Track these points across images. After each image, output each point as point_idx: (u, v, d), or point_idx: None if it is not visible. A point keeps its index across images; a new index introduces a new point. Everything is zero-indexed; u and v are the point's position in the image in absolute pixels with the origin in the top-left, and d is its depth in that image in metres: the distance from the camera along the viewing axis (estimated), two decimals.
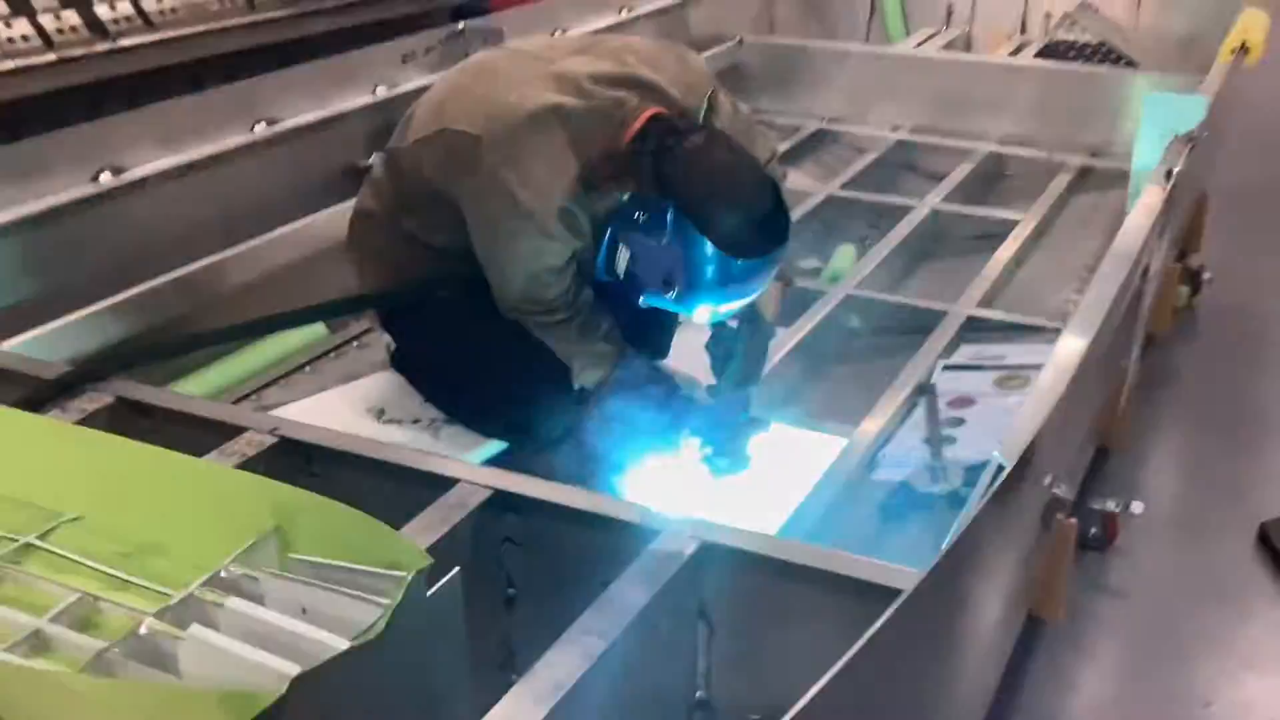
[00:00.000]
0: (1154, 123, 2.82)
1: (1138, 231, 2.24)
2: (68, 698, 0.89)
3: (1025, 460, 1.55)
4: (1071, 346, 1.88)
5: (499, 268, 2.29)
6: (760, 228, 2.15)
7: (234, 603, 0.98)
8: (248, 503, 1.12)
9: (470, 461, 2.19)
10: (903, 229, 3.76)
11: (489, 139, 2.19)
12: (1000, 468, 1.51)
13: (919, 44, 5.14)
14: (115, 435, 1.35)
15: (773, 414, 2.69)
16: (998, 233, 3.81)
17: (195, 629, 0.95)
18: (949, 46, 5.18)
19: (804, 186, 4.17)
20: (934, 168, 4.42)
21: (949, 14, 5.35)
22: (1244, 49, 3.50)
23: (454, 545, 1.82)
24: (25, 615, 1.01)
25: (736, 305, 2.28)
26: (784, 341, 2.96)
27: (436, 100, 2.35)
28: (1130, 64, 4.61)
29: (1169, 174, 2.44)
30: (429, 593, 1.23)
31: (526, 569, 1.94)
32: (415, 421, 2.54)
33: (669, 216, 2.14)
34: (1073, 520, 2.56)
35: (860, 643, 1.13)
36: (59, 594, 1.10)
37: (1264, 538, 3.18)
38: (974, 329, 3.19)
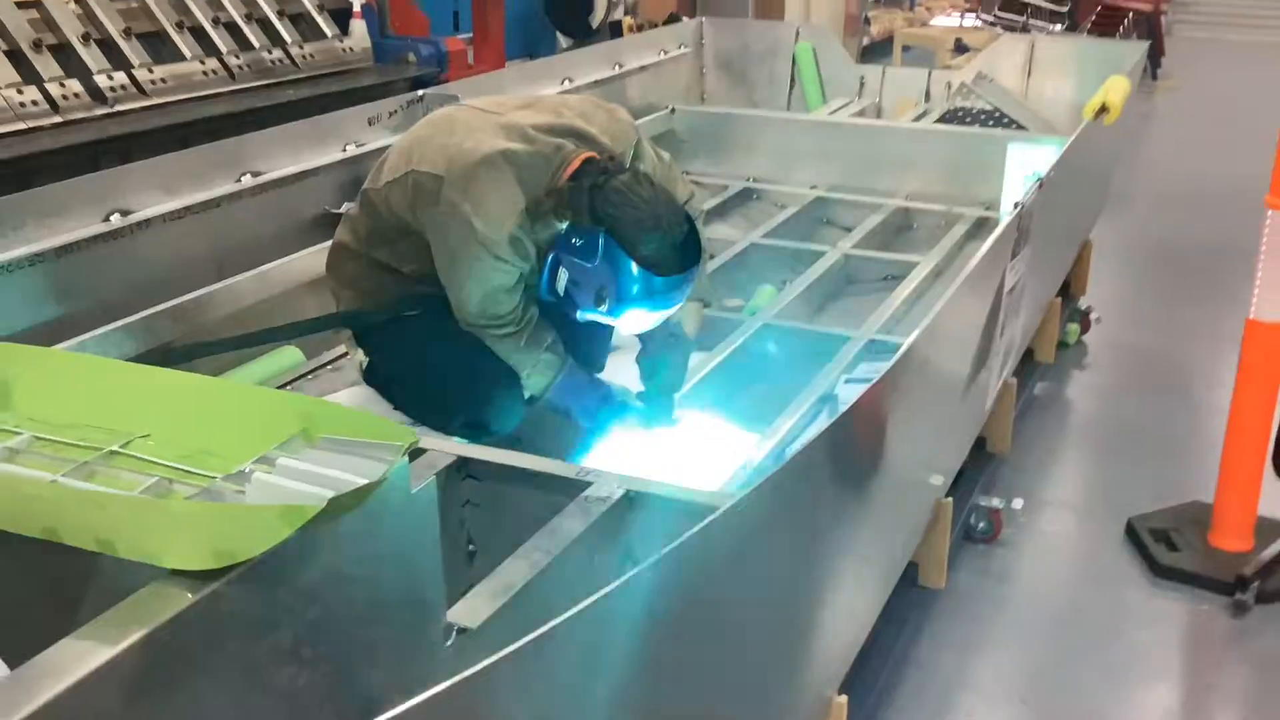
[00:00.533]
0: (1016, 166, 3.29)
1: (987, 251, 2.70)
2: (174, 519, 1.29)
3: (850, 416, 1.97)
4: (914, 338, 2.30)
5: (458, 287, 2.69)
6: (677, 250, 2.57)
7: (279, 464, 1.39)
8: (278, 412, 1.53)
9: None
10: (816, 270, 4.16)
11: (449, 178, 2.60)
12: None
13: (834, 111, 5.52)
14: (172, 369, 1.75)
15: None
16: (901, 274, 4.24)
17: (254, 477, 1.35)
18: (861, 114, 5.55)
19: (729, 236, 4.61)
20: (846, 221, 4.75)
21: (861, 85, 5.71)
22: (1104, 110, 3.99)
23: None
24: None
25: (660, 316, 2.69)
26: (706, 362, 3.32)
27: (405, 147, 2.77)
28: (1020, 128, 5.07)
29: (1017, 205, 2.91)
30: (413, 490, 1.65)
31: (484, 528, 2.34)
32: None
33: (600, 242, 2.54)
34: (949, 500, 3.01)
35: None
36: (140, 480, 1.50)
37: (1130, 530, 3.64)
38: (875, 351, 3.62)
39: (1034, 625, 3.24)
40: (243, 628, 1.41)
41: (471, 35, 5.37)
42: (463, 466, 2.29)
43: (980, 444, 3.74)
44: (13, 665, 1.32)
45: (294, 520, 1.27)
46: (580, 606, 1.31)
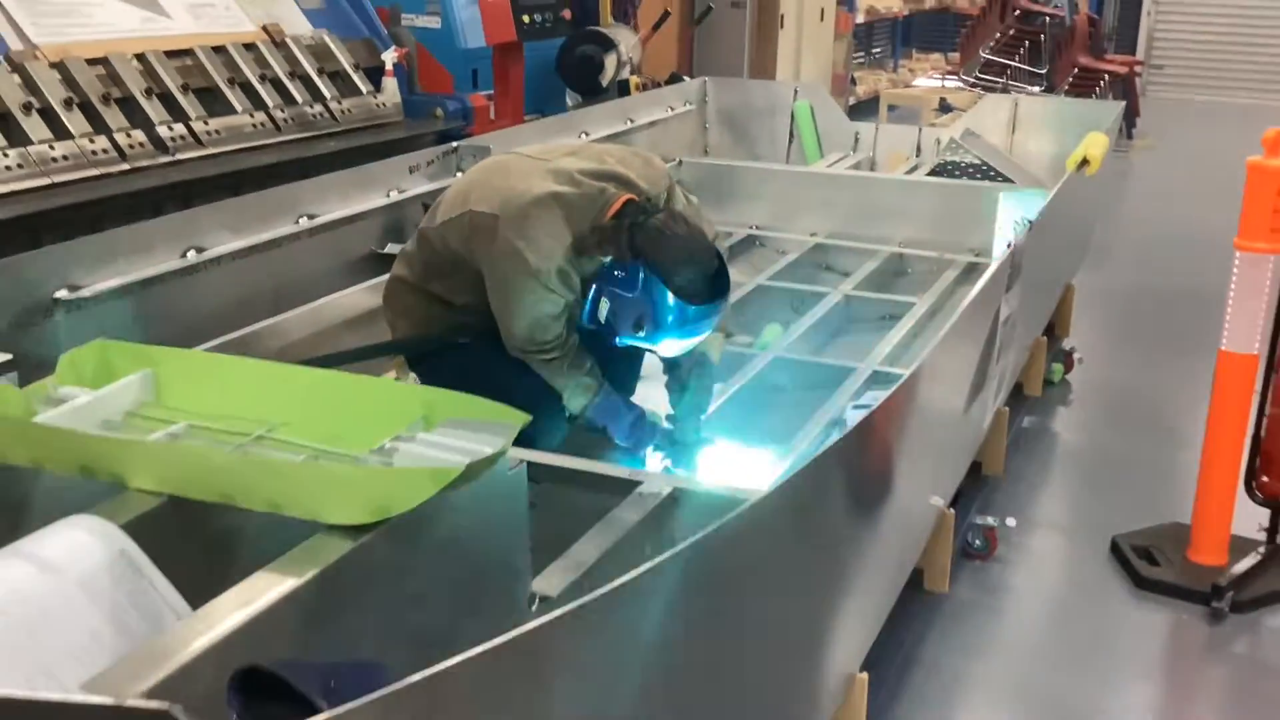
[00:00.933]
0: (1007, 213, 3.63)
1: (985, 283, 3.02)
2: (338, 481, 1.58)
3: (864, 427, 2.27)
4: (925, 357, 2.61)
5: (509, 315, 2.97)
6: (709, 281, 2.88)
7: (417, 439, 1.68)
8: (402, 402, 1.83)
9: None
10: (820, 310, 4.46)
11: (505, 216, 2.90)
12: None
13: (831, 164, 5.87)
14: (306, 367, 2.04)
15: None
16: (899, 313, 4.55)
17: (399, 449, 1.65)
18: (856, 167, 5.86)
19: (736, 279, 4.90)
20: (844, 266, 5.05)
21: (856, 140, 6.06)
22: (1085, 163, 4.34)
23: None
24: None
25: (693, 342, 2.99)
26: (722, 391, 3.59)
27: (462, 190, 3.07)
28: (1006, 180, 5.42)
29: (1009, 245, 3.23)
30: (509, 470, 1.93)
31: (543, 527, 2.61)
32: None
33: (640, 274, 2.86)
34: (950, 511, 3.31)
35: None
36: (292, 457, 1.79)
37: (1114, 547, 3.93)
38: (879, 381, 3.92)
39: (1028, 632, 3.52)
40: (384, 576, 1.69)
41: (490, 92, 5.70)
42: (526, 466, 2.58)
43: (976, 467, 4.04)
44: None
45: (440, 480, 1.56)
46: (634, 574, 1.56)
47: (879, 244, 5.10)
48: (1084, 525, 4.12)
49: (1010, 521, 3.89)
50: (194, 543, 1.77)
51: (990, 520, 3.83)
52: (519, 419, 1.74)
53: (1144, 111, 12.14)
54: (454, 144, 4.36)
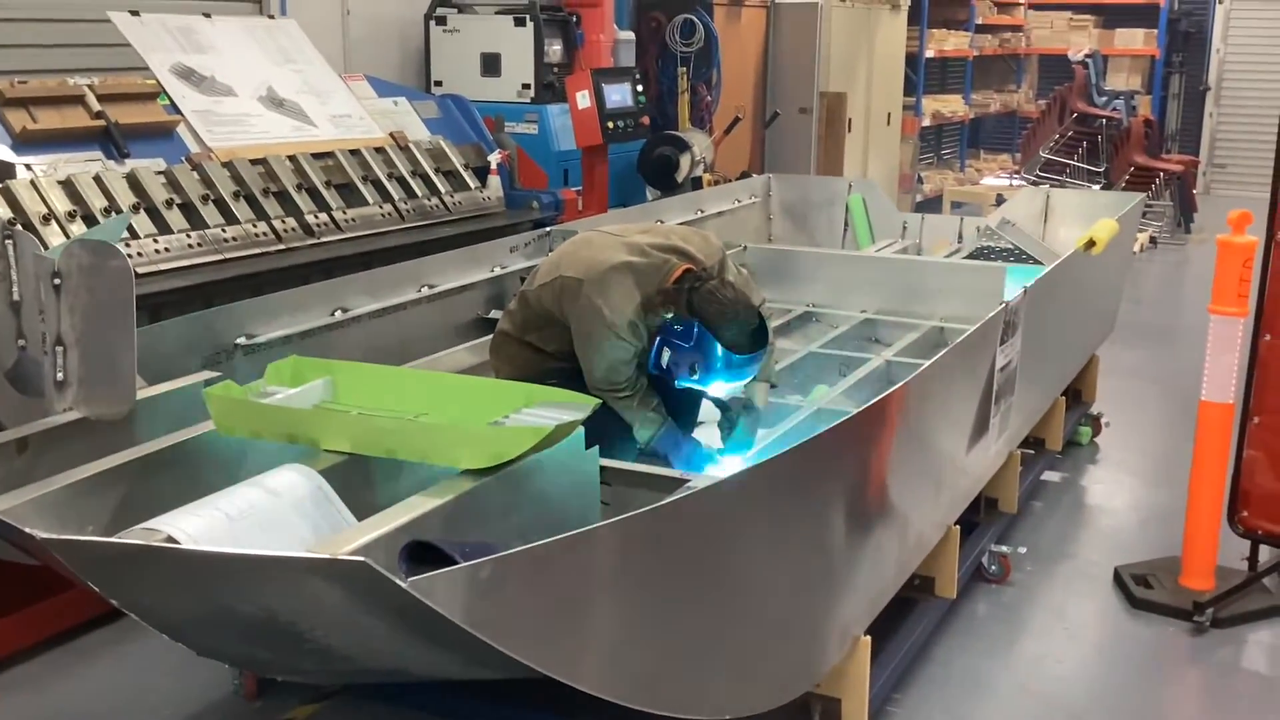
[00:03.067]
0: (1013, 284, 4.33)
1: (977, 329, 3.71)
2: (470, 436, 2.31)
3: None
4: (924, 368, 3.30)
5: (589, 361, 3.67)
6: (750, 336, 3.58)
7: (521, 413, 2.43)
8: (510, 395, 2.57)
9: None
10: (862, 372, 5.13)
11: (588, 280, 3.62)
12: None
13: (880, 249, 6.57)
14: (437, 372, 2.80)
15: None
16: None
17: (510, 419, 2.40)
18: (904, 252, 6.51)
19: (791, 348, 5.61)
20: (889, 338, 5.66)
21: (904, 229, 6.73)
22: (1092, 243, 5.01)
23: None
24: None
25: (737, 385, 3.69)
26: (765, 437, 4.27)
27: (554, 260, 3.83)
28: (1037, 263, 6.07)
29: (1004, 304, 3.92)
30: (584, 450, 2.66)
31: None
32: None
33: (695, 329, 3.57)
34: (956, 527, 3.95)
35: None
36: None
37: (1116, 576, 4.52)
38: None
39: (1035, 639, 4.11)
40: (495, 511, 2.43)
41: (579, 188, 6.55)
42: (600, 474, 3.30)
43: (993, 504, 4.67)
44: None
45: (537, 435, 2.29)
46: (652, 507, 2.27)
47: (922, 319, 5.62)
48: (1093, 559, 4.71)
49: (1022, 549, 4.50)
50: (366, 488, 2.53)
51: (1005, 549, 4.45)
52: (591, 401, 2.48)
53: (1205, 207, 12.69)
54: (547, 229, 5.17)
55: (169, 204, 4.47)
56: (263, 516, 2.20)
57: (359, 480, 2.52)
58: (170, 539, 2.06)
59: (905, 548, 3.53)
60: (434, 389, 2.67)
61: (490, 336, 4.00)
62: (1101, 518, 5.21)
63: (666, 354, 3.60)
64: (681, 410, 3.97)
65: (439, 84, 7.09)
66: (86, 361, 2.60)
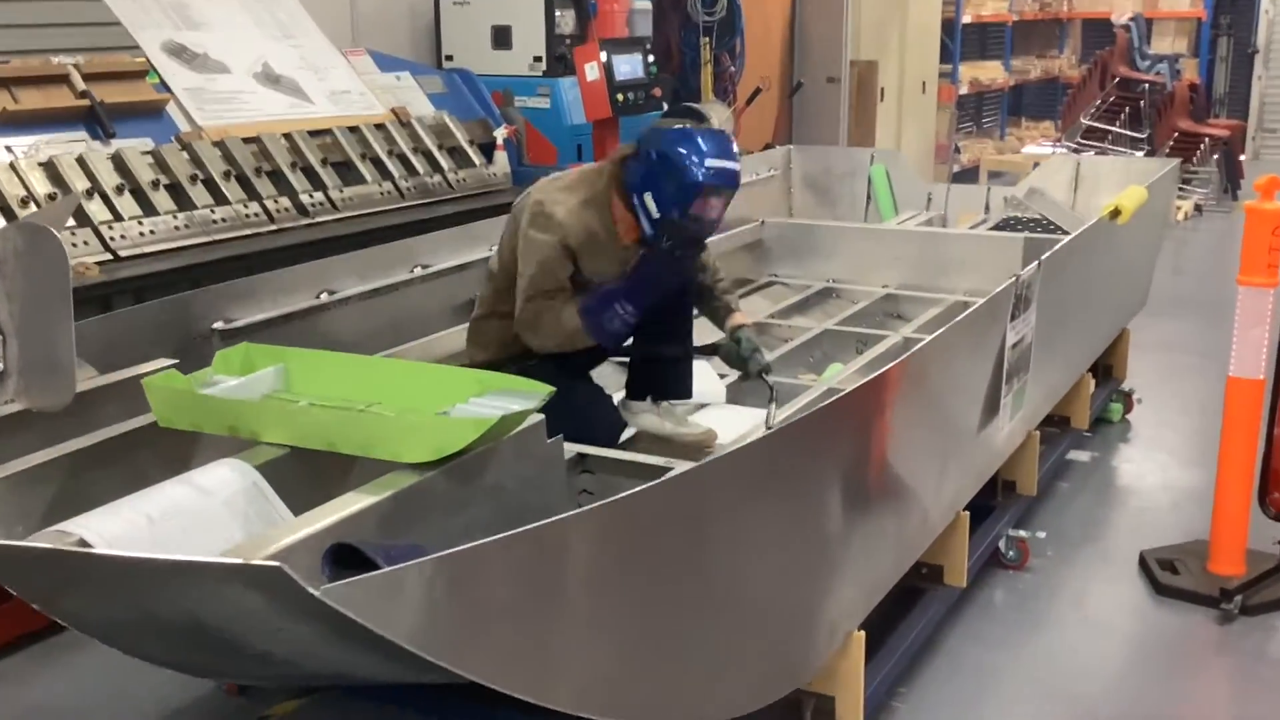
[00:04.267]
0: (1027, 255, 4.12)
1: (984, 304, 3.53)
2: (411, 429, 2.17)
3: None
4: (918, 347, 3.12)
5: (525, 268, 3.38)
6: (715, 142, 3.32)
7: (468, 402, 2.28)
8: (463, 381, 2.43)
9: None
10: (879, 349, 4.94)
11: (535, 188, 3.49)
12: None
13: (902, 222, 6.33)
14: (392, 359, 2.66)
15: None
16: None
17: (456, 409, 2.25)
18: (928, 224, 6.30)
19: (808, 325, 5.43)
20: (911, 314, 5.42)
21: (929, 200, 6.52)
22: (1117, 212, 4.78)
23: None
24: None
25: (730, 196, 3.39)
26: (776, 418, 4.15)
27: (512, 216, 3.62)
28: (1065, 233, 5.84)
29: (1014, 278, 3.73)
30: (547, 441, 2.51)
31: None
32: None
33: (659, 164, 3.24)
34: (966, 513, 3.77)
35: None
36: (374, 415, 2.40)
37: (1141, 561, 4.31)
38: None
39: (1052, 629, 3.92)
40: (443, 506, 2.28)
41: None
42: (580, 462, 3.15)
43: (1011, 487, 4.47)
44: None
45: (480, 427, 2.15)
46: (629, 493, 2.11)
47: (944, 293, 5.42)
48: (1118, 543, 4.51)
49: (1041, 534, 4.30)
50: (308, 482, 2.39)
51: (1023, 533, 4.26)
52: (545, 389, 2.33)
53: (1254, 173, 12.26)
54: None
55: (155, 185, 4.37)
56: (188, 516, 2.07)
57: (308, 474, 2.39)
58: (83, 542, 1.94)
59: (905, 536, 3.36)
60: (388, 377, 2.53)
61: None
62: (1130, 499, 5.00)
63: (649, 201, 3.31)
64: (671, 334, 3.75)
65: (450, 58, 6.94)
66: (26, 351, 2.48)
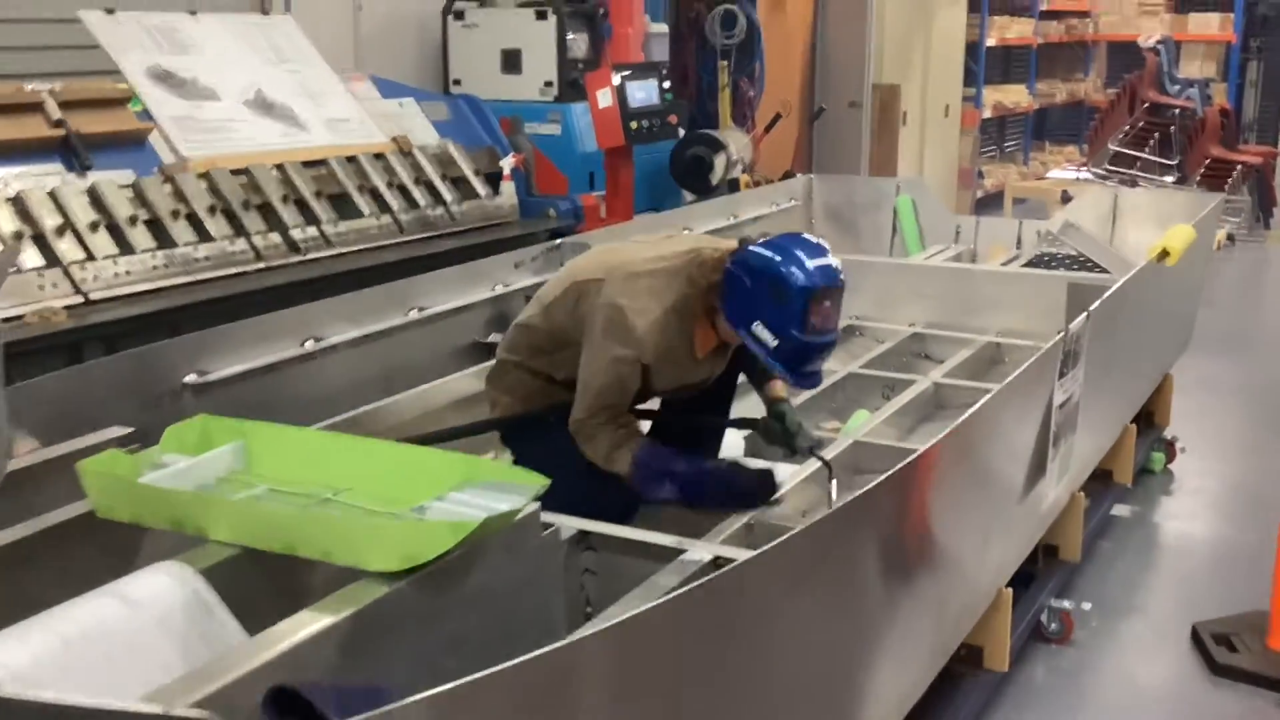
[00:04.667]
0: (1073, 303, 3.78)
1: (1030, 365, 3.20)
2: (376, 533, 1.85)
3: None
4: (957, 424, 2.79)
5: (589, 371, 3.03)
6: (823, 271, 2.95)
7: (448, 498, 1.96)
8: (446, 468, 2.11)
9: None
10: (907, 396, 4.60)
11: (610, 279, 3.09)
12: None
13: (930, 256, 5.99)
14: (366, 438, 2.34)
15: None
16: None
17: (431, 506, 1.93)
18: (956, 259, 5.99)
19: (830, 368, 5.10)
20: (940, 354, 5.11)
21: (957, 233, 6.21)
22: (1165, 254, 4.45)
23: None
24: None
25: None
26: (797, 474, 3.80)
27: (565, 274, 3.29)
28: (1103, 271, 5.52)
29: (1060, 331, 3.39)
30: (543, 534, 2.19)
31: (601, 593, 2.84)
32: None
33: (775, 279, 2.85)
34: (1008, 590, 3.43)
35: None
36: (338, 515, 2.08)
37: (1195, 634, 3.97)
38: None
39: (1098, 713, 3.58)
40: (417, 619, 1.96)
41: (603, 193, 6.07)
42: (583, 539, 2.83)
43: (1053, 551, 4.13)
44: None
45: (459, 532, 1.82)
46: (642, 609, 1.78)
47: (975, 333, 5.14)
48: (1167, 613, 4.16)
49: (1085, 606, 3.96)
50: (264, 588, 2.07)
51: (1066, 604, 3.92)
52: (539, 481, 2.01)
53: None
54: (558, 242, 4.69)
55: (133, 221, 4.07)
56: (113, 639, 1.76)
57: (263, 579, 2.07)
58: None
59: (946, 622, 3.03)
60: (364, 457, 2.22)
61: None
62: (1177, 561, 4.65)
63: (760, 331, 2.94)
64: (711, 404, 3.45)
65: (458, 83, 6.65)
66: None
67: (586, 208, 5.70)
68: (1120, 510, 4.96)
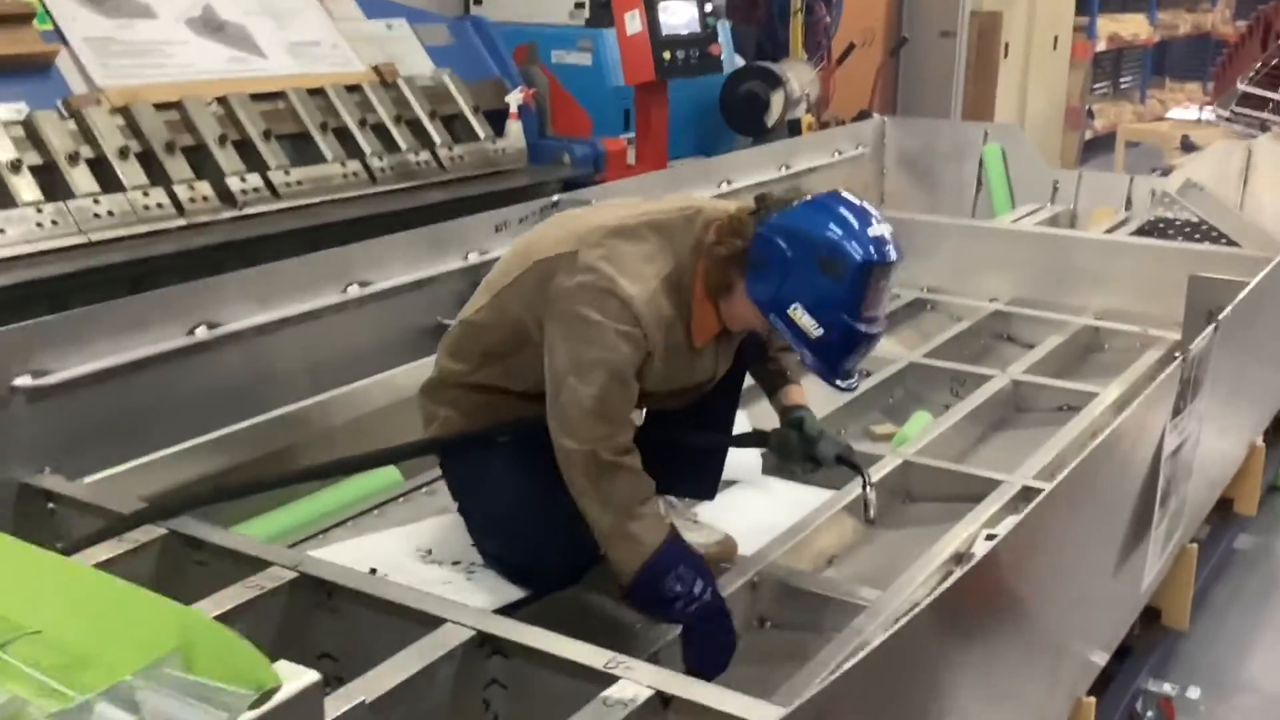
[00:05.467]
0: (1194, 303, 2.85)
1: (1134, 411, 2.30)
2: None
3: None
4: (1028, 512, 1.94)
5: (570, 381, 2.26)
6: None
7: (112, 710, 1.17)
8: (162, 624, 1.31)
9: (477, 605, 2.29)
10: (979, 397, 3.73)
11: (585, 246, 2.32)
12: None
13: (1020, 218, 5.16)
14: (75, 561, 1.57)
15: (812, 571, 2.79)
16: (1079, 404, 3.77)
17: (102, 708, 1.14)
18: (1052, 221, 5.18)
19: (892, 353, 4.25)
20: (1027, 338, 4.41)
21: (1054, 190, 5.39)
22: None
23: (431, 681, 1.96)
24: None
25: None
26: (833, 503, 3.01)
27: (520, 250, 2.49)
28: (1230, 243, 4.56)
29: (1177, 355, 2.47)
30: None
31: (515, 714, 2.06)
32: (455, 564, 2.67)
33: (811, 252, 2.23)
34: (1090, 699, 2.56)
35: None
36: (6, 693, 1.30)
37: None
38: (1030, 499, 3.17)
39: None
40: None
41: (632, 135, 5.20)
42: (488, 641, 2.04)
43: (1153, 615, 3.23)
44: None
45: None
46: None
47: (1070, 314, 4.43)
48: None
49: (1193, 691, 3.08)
50: None
51: (1167, 688, 3.05)
52: (266, 681, 1.19)
53: None
54: (555, 198, 3.87)
55: (16, 167, 3.31)
56: None
57: None
58: None
59: None
60: (74, 590, 1.44)
61: None
62: None
63: (798, 312, 2.28)
64: (695, 471, 2.74)
65: (479, 2, 5.77)
66: None
67: (611, 153, 4.84)
68: (1241, 542, 4.02)
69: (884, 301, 2.33)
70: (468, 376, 2.54)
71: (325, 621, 2.21)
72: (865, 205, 2.35)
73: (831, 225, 2.26)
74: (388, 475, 3.09)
